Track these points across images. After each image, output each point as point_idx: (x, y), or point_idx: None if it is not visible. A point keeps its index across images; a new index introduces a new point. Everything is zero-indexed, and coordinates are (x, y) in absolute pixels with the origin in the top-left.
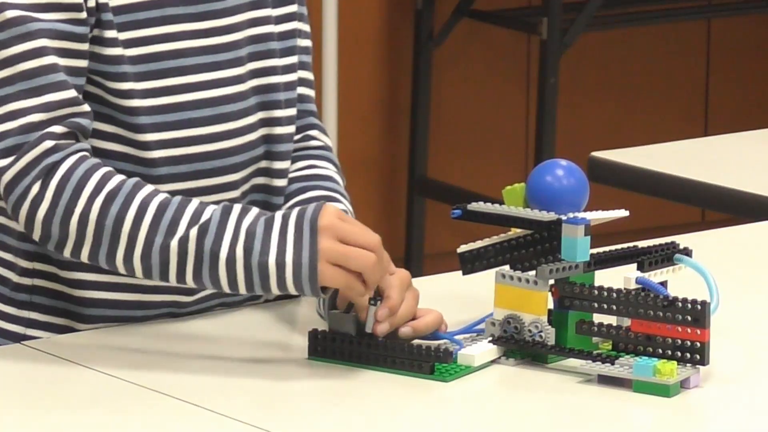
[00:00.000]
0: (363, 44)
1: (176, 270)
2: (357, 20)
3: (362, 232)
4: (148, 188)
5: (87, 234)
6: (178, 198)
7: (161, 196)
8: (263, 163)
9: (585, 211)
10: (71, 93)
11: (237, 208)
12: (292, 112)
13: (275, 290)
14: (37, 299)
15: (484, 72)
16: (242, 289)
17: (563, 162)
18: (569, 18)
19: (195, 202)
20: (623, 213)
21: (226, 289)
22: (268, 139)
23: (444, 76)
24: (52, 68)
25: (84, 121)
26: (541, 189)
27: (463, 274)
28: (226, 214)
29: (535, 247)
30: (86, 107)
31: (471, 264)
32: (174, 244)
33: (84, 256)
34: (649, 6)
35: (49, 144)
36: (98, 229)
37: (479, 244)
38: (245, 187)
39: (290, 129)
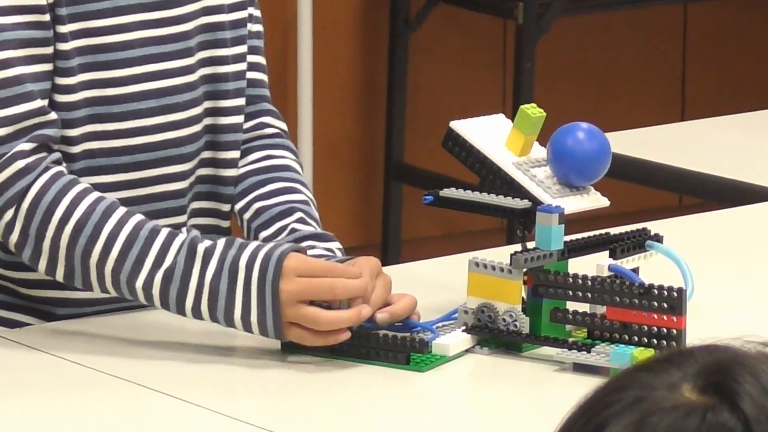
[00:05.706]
0: (339, 29)
1: (145, 303)
2: (333, 4)
3: (322, 288)
4: (117, 215)
5: (59, 261)
6: (147, 229)
7: (129, 227)
8: (208, 154)
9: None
10: (37, 103)
11: (201, 251)
12: (240, 101)
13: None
14: None
15: (460, 57)
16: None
17: (585, 125)
18: (545, 3)
19: (162, 235)
20: (604, 202)
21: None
22: (212, 129)
23: (420, 61)
24: (17, 80)
25: (51, 131)
26: (566, 150)
27: (442, 145)
28: (190, 258)
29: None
30: (53, 115)
31: (452, 143)
32: (139, 285)
33: (59, 277)
34: None
35: (20, 165)
36: (69, 259)
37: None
38: (192, 177)
39: (238, 119)
